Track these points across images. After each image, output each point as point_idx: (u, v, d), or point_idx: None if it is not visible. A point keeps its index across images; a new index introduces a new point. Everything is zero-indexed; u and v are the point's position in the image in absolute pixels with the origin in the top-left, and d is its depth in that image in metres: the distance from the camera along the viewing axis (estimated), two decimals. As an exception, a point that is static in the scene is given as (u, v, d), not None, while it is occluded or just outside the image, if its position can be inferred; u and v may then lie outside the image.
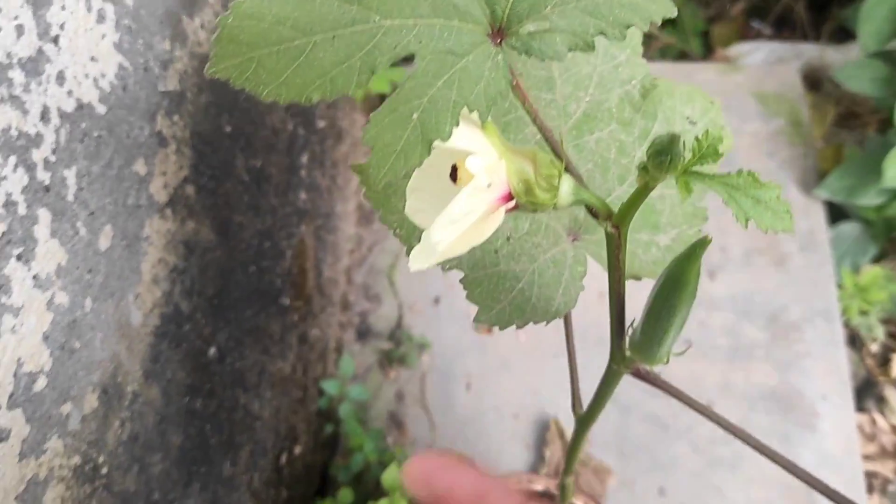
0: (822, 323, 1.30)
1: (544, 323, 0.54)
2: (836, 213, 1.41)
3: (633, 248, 0.55)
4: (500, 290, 0.52)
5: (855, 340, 1.38)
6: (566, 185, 0.36)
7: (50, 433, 0.59)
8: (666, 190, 0.56)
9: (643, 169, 0.33)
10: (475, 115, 0.35)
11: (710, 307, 1.33)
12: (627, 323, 0.49)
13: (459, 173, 0.36)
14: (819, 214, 1.37)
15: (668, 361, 0.45)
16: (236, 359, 0.94)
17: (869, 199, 1.27)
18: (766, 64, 1.61)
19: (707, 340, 1.31)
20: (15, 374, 0.54)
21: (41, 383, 0.57)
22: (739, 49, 1.70)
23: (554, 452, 1.29)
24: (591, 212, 0.38)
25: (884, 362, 1.43)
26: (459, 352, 1.38)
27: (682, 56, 1.74)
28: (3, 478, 0.54)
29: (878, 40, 1.35)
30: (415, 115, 0.34)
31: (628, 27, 0.34)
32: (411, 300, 1.46)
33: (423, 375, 1.38)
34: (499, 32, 0.36)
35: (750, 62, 1.64)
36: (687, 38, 1.75)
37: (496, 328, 1.38)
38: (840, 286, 1.33)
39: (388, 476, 0.97)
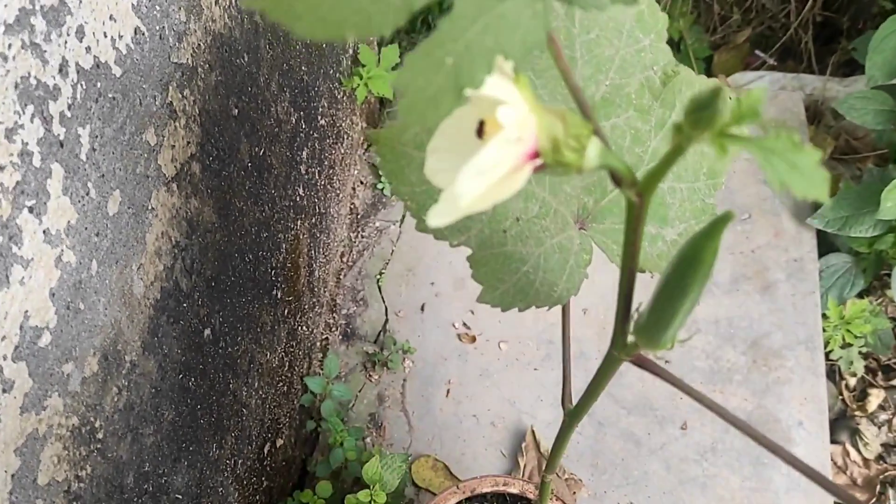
0: (804, 351, 1.32)
1: (546, 308, 0.54)
2: (826, 246, 1.42)
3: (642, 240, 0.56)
4: (506, 270, 0.52)
5: (834, 373, 1.39)
6: (594, 146, 0.37)
7: (51, 390, 0.58)
8: (677, 183, 0.57)
9: (678, 128, 0.34)
10: (508, 66, 0.35)
11: (691, 329, 1.34)
12: (634, 308, 0.49)
13: (487, 127, 0.36)
14: (810, 244, 1.39)
15: (672, 347, 0.46)
16: (229, 344, 0.93)
17: (863, 231, 1.28)
18: (770, 93, 1.63)
19: (686, 361, 1.32)
20: (21, 327, 0.54)
21: (46, 339, 0.57)
22: (741, 78, 1.72)
23: (529, 461, 1.29)
24: (615, 178, 0.38)
25: (862, 397, 1.44)
26: (442, 359, 1.38)
27: (680, 83, 1.76)
28: (4, 429, 0.53)
29: (886, 73, 1.35)
30: (449, 61, 0.34)
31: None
32: (398, 306, 1.47)
33: (404, 380, 1.38)
34: (541, -18, 0.36)
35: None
36: (690, 63, 1.77)
37: (480, 337, 1.38)
38: (825, 317, 1.35)
39: (370, 469, 0.97)
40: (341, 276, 1.52)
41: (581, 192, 0.56)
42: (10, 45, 0.50)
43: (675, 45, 1.78)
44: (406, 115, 0.35)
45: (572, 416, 0.64)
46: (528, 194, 0.54)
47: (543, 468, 1.29)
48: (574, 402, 0.62)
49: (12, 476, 0.54)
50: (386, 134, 0.53)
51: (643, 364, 0.50)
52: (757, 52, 1.81)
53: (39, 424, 0.57)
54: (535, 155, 0.37)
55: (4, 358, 0.52)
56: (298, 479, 1.32)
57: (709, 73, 1.79)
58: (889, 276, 1.34)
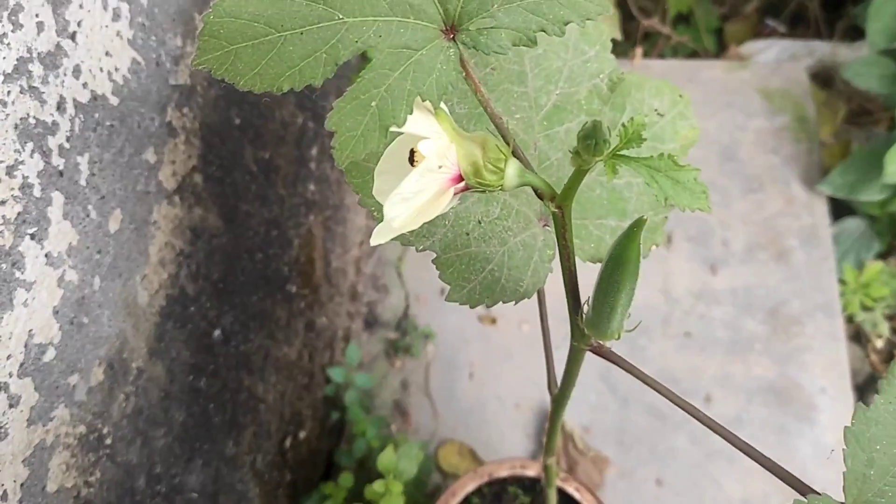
0: (823, 317, 1.32)
1: (513, 303, 0.57)
2: (842, 210, 1.42)
3: (601, 233, 0.58)
4: (471, 270, 0.55)
5: (860, 336, 1.40)
6: (512, 168, 0.40)
7: (57, 402, 0.63)
8: (633, 178, 0.59)
9: (575, 153, 0.36)
10: (428, 103, 0.39)
11: (711, 301, 1.35)
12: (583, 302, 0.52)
13: (416, 156, 0.40)
14: (822, 210, 1.39)
15: (619, 337, 0.49)
16: (241, 342, 0.98)
17: (871, 195, 1.28)
18: (777, 61, 1.63)
19: (707, 334, 1.33)
20: (26, 345, 0.59)
21: (50, 354, 0.62)
22: (753, 47, 1.71)
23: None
24: (537, 193, 0.41)
25: (888, 358, 1.44)
26: (463, 342, 1.41)
27: (694, 54, 1.76)
28: (11, 441, 0.58)
29: (886, 38, 1.36)
30: (373, 104, 0.38)
31: (567, 23, 0.38)
32: (418, 291, 1.50)
33: (427, 365, 1.42)
34: (451, 29, 0.40)
35: (762, 59, 1.66)
36: (700, 36, 1.76)
37: (500, 318, 1.41)
38: (842, 282, 1.35)
39: (384, 458, 1.01)
40: (361, 265, 1.56)
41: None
42: (9, 92, 0.54)
43: (685, 19, 1.78)
44: (339, 151, 0.39)
45: (557, 401, 0.68)
46: (488, 198, 0.57)
47: (569, 446, 1.33)
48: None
49: (21, 485, 0.59)
50: (340, 167, 0.56)
51: (601, 353, 0.53)
52: (767, 20, 1.80)
53: (46, 435, 0.62)
54: (460, 178, 0.40)
55: (10, 375, 0.57)
56: (325, 470, 1.37)
57: (720, 44, 1.78)
58: (904, 238, 1.35)
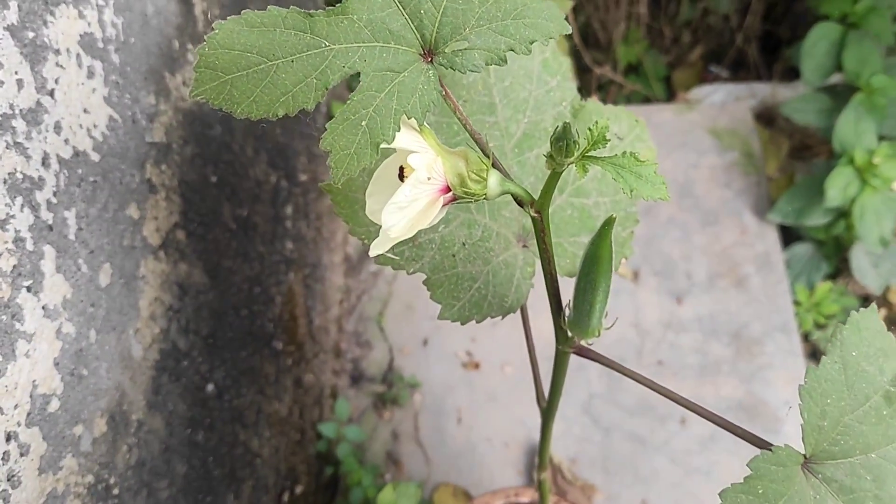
0: (781, 336, 1.38)
1: (500, 317, 0.60)
2: (792, 237, 1.50)
3: (575, 249, 0.62)
4: (460, 289, 0.59)
5: (816, 353, 1.45)
6: (493, 177, 0.43)
7: (65, 452, 0.64)
8: (600, 198, 0.63)
9: (549, 157, 0.40)
10: (413, 122, 0.42)
11: (679, 329, 1.40)
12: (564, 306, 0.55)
13: (405, 172, 0.43)
14: (773, 237, 1.47)
15: (599, 334, 0.52)
16: (233, 396, 0.99)
17: (816, 220, 1.36)
18: (722, 103, 1.72)
19: (678, 360, 1.38)
20: (31, 395, 0.60)
21: (54, 405, 0.63)
22: (699, 92, 1.81)
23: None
24: (517, 200, 0.45)
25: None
26: (449, 388, 1.43)
27: (646, 100, 1.84)
28: (25, 489, 0.59)
29: (819, 75, 1.46)
30: (364, 123, 0.41)
31: (532, 42, 0.42)
32: (401, 343, 1.52)
33: (415, 414, 1.43)
34: (429, 52, 0.43)
35: (709, 104, 1.74)
36: (650, 84, 1.85)
37: (483, 362, 1.44)
38: (796, 303, 1.42)
39: (384, 496, 1.02)
40: (343, 322, 1.58)
41: (519, 214, 0.62)
42: (-5, 148, 0.57)
43: (634, 69, 1.86)
44: (335, 169, 0.42)
45: (546, 413, 0.70)
46: (470, 222, 0.60)
47: (558, 478, 1.34)
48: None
49: (36, 531, 0.60)
50: (337, 186, 0.59)
51: (584, 353, 0.56)
52: (710, 67, 1.89)
53: (57, 483, 0.63)
54: (447, 189, 0.43)
55: (18, 424, 0.58)
56: (324, 525, 1.37)
57: (669, 91, 1.87)
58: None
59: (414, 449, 1.40)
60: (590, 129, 0.39)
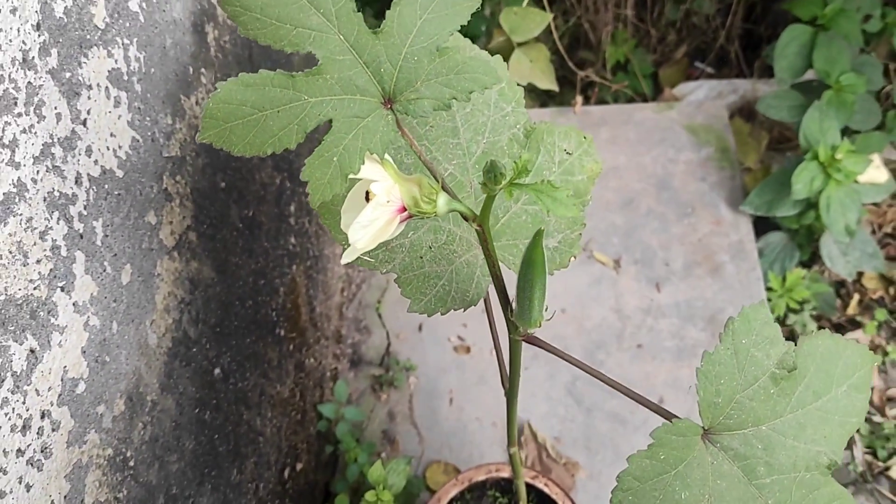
0: (753, 321, 1.48)
1: (462, 309, 0.71)
2: (767, 226, 1.59)
3: (529, 250, 0.72)
4: (426, 286, 0.69)
5: (793, 336, 1.54)
6: (442, 199, 0.54)
7: (89, 428, 0.75)
8: (553, 205, 0.73)
9: (483, 184, 0.50)
10: (376, 156, 0.52)
11: (658, 315, 1.50)
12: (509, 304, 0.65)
13: (370, 195, 0.53)
14: (747, 227, 1.56)
15: (540, 325, 0.62)
16: (239, 379, 1.10)
17: (785, 211, 1.45)
18: (705, 99, 1.81)
19: (656, 344, 1.47)
20: (62, 379, 0.71)
21: (81, 387, 0.74)
22: (685, 88, 1.90)
23: (530, 451, 1.44)
24: (463, 216, 0.55)
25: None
26: (442, 371, 1.54)
27: (632, 99, 1.94)
28: (55, 460, 0.70)
29: (791, 73, 1.55)
30: (335, 159, 0.52)
31: (472, 92, 0.52)
32: (397, 329, 1.63)
33: (410, 395, 1.54)
34: (388, 101, 0.54)
35: (694, 98, 1.83)
36: (638, 82, 1.94)
37: (473, 347, 1.58)
38: (769, 289, 1.51)
39: (374, 471, 1.12)
40: (344, 309, 1.69)
41: (481, 221, 0.72)
42: (38, 172, 0.67)
43: (623, 67, 1.96)
44: (312, 195, 0.52)
45: (508, 395, 0.81)
46: (436, 228, 0.71)
47: (542, 455, 1.45)
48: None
49: (65, 497, 0.71)
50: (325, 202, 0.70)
51: (531, 341, 0.66)
52: (696, 63, 1.98)
53: (82, 455, 0.74)
54: (404, 209, 0.54)
55: (51, 404, 0.69)
56: (323, 501, 1.48)
57: (656, 87, 1.96)
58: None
59: (409, 428, 1.51)
60: (515, 162, 0.49)
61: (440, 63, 0.52)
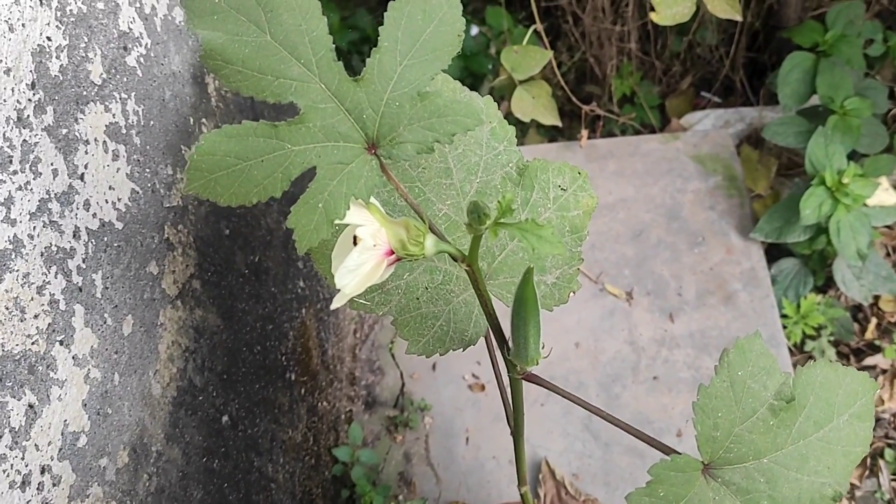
0: (770, 348, 1.44)
1: (461, 350, 0.70)
2: (780, 252, 1.57)
3: (527, 288, 0.71)
4: (424, 327, 0.69)
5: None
6: (429, 240, 0.53)
7: (91, 481, 0.75)
8: (549, 241, 0.73)
9: (468, 224, 0.50)
10: (361, 201, 0.52)
11: (672, 346, 1.48)
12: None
13: (357, 240, 0.53)
14: (758, 254, 1.54)
15: (538, 363, 0.61)
16: (248, 426, 1.10)
17: (795, 237, 1.44)
18: (713, 128, 1.81)
19: (672, 375, 1.46)
20: (62, 433, 0.71)
21: (82, 440, 0.74)
22: (692, 118, 1.90)
23: (548, 490, 1.42)
24: (452, 257, 0.55)
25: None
26: (457, 410, 1.53)
27: (639, 131, 1.94)
28: (59, 515, 0.70)
29: (795, 100, 1.55)
30: (320, 205, 0.52)
31: (453, 134, 0.52)
32: (412, 368, 1.62)
33: (426, 435, 1.53)
34: (372, 146, 0.54)
35: (701, 128, 1.83)
36: (646, 113, 1.95)
37: (488, 384, 1.57)
38: (785, 316, 1.49)
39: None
40: (357, 351, 1.68)
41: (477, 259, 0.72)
42: (34, 227, 0.68)
43: (630, 99, 1.96)
44: (299, 241, 0.52)
45: (514, 434, 0.80)
46: (432, 269, 0.70)
47: (561, 493, 1.43)
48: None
49: (70, 549, 0.70)
50: (317, 247, 0.70)
51: (531, 379, 0.65)
52: (702, 93, 1.99)
53: (87, 509, 0.73)
54: (391, 252, 0.54)
55: (52, 459, 0.69)
56: (340, 545, 1.46)
57: (663, 118, 1.96)
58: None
59: (425, 469, 1.49)
60: (499, 202, 0.49)
61: (422, 107, 0.52)
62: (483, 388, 1.55)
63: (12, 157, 0.65)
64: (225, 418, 1.03)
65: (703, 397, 0.57)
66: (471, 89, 0.71)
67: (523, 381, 0.69)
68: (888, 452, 1.44)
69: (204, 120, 1.03)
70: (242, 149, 0.52)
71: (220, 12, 0.52)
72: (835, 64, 1.52)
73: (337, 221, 0.52)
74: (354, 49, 1.98)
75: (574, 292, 0.72)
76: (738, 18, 1.24)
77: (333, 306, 0.53)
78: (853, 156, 1.52)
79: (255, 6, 0.53)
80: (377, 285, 0.68)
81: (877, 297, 1.59)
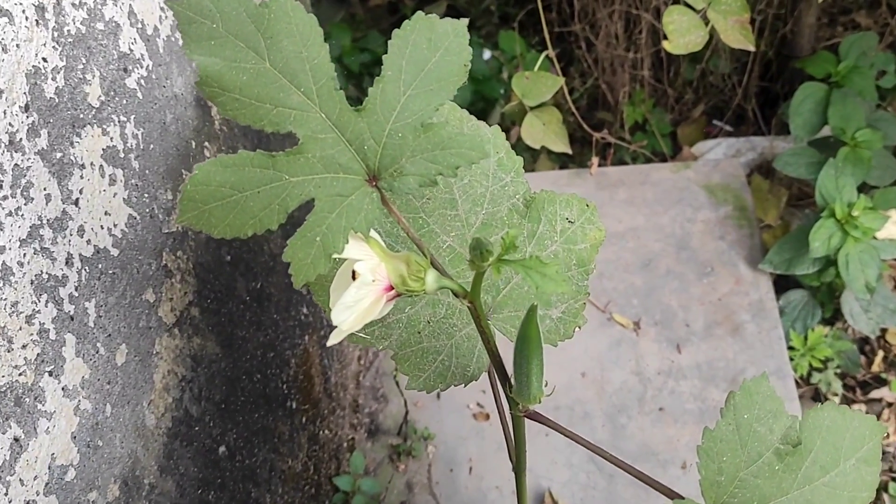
0: (776, 381, 1.44)
1: (463, 385, 0.68)
2: (789, 284, 1.55)
3: (532, 322, 0.69)
4: (425, 361, 0.66)
5: (818, 395, 1.50)
6: (431, 276, 0.51)
7: (82, 517, 0.72)
8: (555, 275, 0.71)
9: (470, 261, 0.48)
10: (360, 235, 0.50)
11: (679, 377, 1.46)
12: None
13: (356, 274, 0.51)
14: (767, 286, 1.53)
15: (540, 401, 0.59)
16: (246, 456, 1.07)
17: (804, 269, 1.42)
18: (724, 157, 1.79)
19: (678, 406, 1.43)
20: (49, 467, 0.69)
21: (71, 474, 0.71)
22: (703, 146, 1.89)
23: (550, 523, 1.39)
24: (454, 293, 0.52)
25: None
26: (461, 439, 1.50)
27: (650, 158, 1.92)
28: (44, 552, 0.67)
29: (807, 131, 1.53)
30: (318, 239, 0.50)
31: (458, 167, 0.50)
32: (415, 397, 1.60)
33: (429, 465, 1.50)
34: (373, 178, 0.52)
35: (712, 156, 1.82)
36: (657, 141, 1.93)
37: (492, 414, 1.54)
38: (791, 348, 1.47)
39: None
40: (361, 378, 1.66)
41: (481, 292, 0.70)
42: (24, 254, 0.66)
43: (641, 126, 1.95)
44: (295, 275, 0.50)
45: (516, 470, 0.77)
46: (434, 302, 0.68)
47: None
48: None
49: (54, 590, 0.68)
50: (316, 278, 0.68)
51: (533, 417, 0.63)
52: (714, 121, 1.97)
53: (74, 547, 0.71)
54: (391, 287, 0.51)
55: (37, 493, 0.66)
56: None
57: (675, 146, 1.95)
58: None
59: (427, 499, 1.46)
60: (503, 239, 0.47)
61: (425, 139, 0.50)
62: (487, 417, 1.53)
63: (2, 181, 0.63)
64: (222, 448, 1.00)
65: (708, 441, 0.55)
66: (482, 114, 0.70)
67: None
68: (892, 486, 1.42)
69: (206, 144, 1.01)
70: (238, 179, 0.50)
71: (218, 37, 0.50)
72: (847, 95, 1.50)
73: (335, 255, 0.50)
74: (366, 71, 1.97)
75: (580, 327, 0.70)
76: (752, 48, 1.22)
77: (330, 343, 0.51)
78: (863, 188, 1.50)
79: (254, 32, 0.51)
80: (378, 319, 0.65)
81: (884, 330, 1.57)
